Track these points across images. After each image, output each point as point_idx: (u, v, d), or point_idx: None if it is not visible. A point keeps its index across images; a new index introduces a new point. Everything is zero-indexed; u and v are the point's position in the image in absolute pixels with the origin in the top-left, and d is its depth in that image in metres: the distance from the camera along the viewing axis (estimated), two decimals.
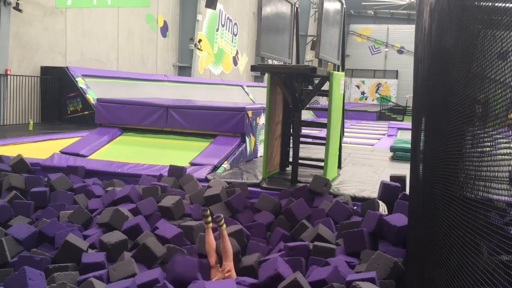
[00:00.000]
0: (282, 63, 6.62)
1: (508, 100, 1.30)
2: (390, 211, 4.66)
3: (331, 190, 5.40)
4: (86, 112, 11.82)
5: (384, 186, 5.08)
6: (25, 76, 11.79)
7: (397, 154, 8.58)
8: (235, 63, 24.89)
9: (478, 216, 1.48)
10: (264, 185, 5.76)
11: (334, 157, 6.45)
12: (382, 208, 4.79)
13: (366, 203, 4.84)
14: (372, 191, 5.60)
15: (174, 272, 3.34)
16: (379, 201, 4.92)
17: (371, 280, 3.17)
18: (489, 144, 1.46)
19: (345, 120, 7.80)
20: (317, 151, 7.91)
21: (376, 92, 35.00)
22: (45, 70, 12.33)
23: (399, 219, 4.11)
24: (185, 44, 19.17)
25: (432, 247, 2.19)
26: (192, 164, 6.61)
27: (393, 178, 5.34)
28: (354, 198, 5.35)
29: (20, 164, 6.18)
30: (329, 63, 6.57)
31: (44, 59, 12.53)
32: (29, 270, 3.27)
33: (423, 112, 3.01)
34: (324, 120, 6.33)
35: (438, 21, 2.49)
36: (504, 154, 1.31)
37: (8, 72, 11.19)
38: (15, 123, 11.44)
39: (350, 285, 3.13)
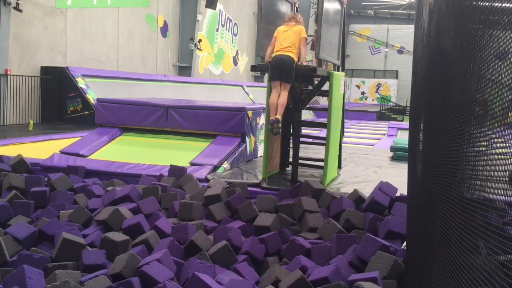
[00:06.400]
0: None
1: (506, 100, 1.31)
2: (389, 209, 4.66)
3: (331, 190, 5.40)
4: (86, 112, 11.81)
5: (381, 185, 4.92)
6: (25, 76, 11.79)
7: (397, 154, 8.58)
8: (235, 63, 24.89)
9: (476, 215, 1.48)
10: (264, 185, 5.76)
11: (334, 157, 6.45)
12: None
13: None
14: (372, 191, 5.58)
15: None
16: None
17: (373, 280, 3.14)
18: (486, 143, 1.47)
19: (345, 120, 7.80)
20: (317, 151, 7.91)
21: (376, 92, 34.98)
22: (45, 70, 12.33)
23: (398, 219, 4.12)
24: (185, 44, 19.17)
25: (431, 247, 2.19)
26: (192, 164, 6.62)
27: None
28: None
29: (20, 164, 6.18)
30: (329, 63, 6.57)
31: (44, 59, 12.53)
32: (28, 268, 3.24)
33: (422, 111, 3.01)
34: (324, 120, 6.33)
35: (437, 20, 2.49)
36: (501, 154, 1.32)
37: (8, 72, 11.19)
38: (15, 123, 11.44)
39: (352, 285, 3.11)
